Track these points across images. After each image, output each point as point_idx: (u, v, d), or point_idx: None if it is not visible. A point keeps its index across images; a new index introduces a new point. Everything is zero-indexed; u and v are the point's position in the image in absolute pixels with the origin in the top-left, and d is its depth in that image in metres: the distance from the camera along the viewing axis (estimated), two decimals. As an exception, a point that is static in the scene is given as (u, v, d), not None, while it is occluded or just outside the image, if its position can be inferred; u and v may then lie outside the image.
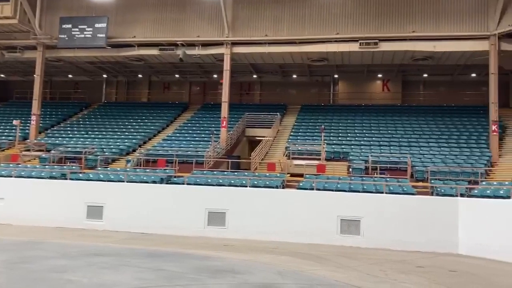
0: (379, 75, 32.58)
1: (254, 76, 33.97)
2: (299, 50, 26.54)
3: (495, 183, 18.90)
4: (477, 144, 25.09)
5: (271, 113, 29.50)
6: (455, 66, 29.38)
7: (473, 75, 30.95)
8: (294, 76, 33.72)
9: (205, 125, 30.03)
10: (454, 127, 27.52)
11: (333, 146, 25.18)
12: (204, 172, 21.63)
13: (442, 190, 18.41)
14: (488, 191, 17.20)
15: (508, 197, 15.86)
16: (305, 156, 23.35)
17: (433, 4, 25.08)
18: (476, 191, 17.77)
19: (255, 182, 19.50)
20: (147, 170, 22.11)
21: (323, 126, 23.48)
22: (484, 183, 19.39)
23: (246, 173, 21.65)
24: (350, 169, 22.16)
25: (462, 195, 17.32)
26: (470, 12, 24.69)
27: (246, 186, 18.97)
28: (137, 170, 22.19)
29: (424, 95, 32.46)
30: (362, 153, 23.85)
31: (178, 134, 28.91)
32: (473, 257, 15.13)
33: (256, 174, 21.55)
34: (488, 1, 24.48)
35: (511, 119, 27.56)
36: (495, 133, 24.08)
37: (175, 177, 20.98)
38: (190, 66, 32.06)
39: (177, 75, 35.35)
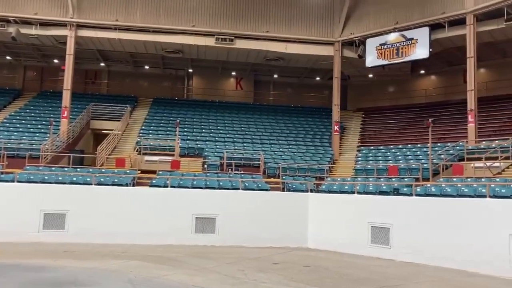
0: (233, 73, 32.76)
1: (102, 64, 31.27)
2: (153, 39, 25.08)
3: (338, 179, 20.20)
4: (321, 143, 26.76)
5: (120, 105, 27.38)
6: (302, 69, 31.01)
7: (317, 78, 33.09)
8: (147, 67, 31.97)
9: (43, 115, 26.53)
10: (301, 127, 28.98)
11: (187, 141, 24.36)
12: (40, 168, 18.89)
13: (293, 186, 18.99)
14: (334, 187, 18.24)
15: (353, 192, 16.96)
16: (158, 151, 22.07)
17: (286, 7, 25.99)
18: (323, 187, 18.71)
19: (102, 180, 17.65)
20: (-34, 165, 18.47)
21: (178, 120, 22.48)
22: (329, 179, 20.59)
23: (90, 170, 19.54)
24: (205, 166, 21.61)
25: (311, 191, 18.05)
26: (319, 18, 26.21)
27: (91, 184, 17.02)
28: (-48, 165, 18.39)
29: (273, 95, 33.64)
30: (217, 149, 23.52)
31: (8, 124, 24.96)
32: (321, 250, 15.75)
33: (103, 170, 19.61)
34: (333, 10, 26.28)
35: (349, 120, 30.10)
36: (336, 133, 26.00)
37: (2, 173, 17.86)
38: (26, 47, 28.01)
39: (8, 57, 30.62)
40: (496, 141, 19.94)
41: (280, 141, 26.34)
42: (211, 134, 26.21)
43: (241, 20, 25.55)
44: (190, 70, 32.27)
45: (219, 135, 26.27)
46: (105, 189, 16.67)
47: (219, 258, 13.27)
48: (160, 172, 19.57)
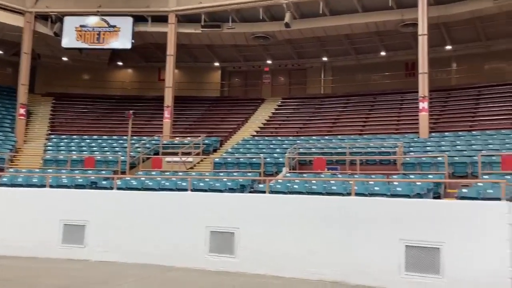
0: None
1: None
2: None
3: (24, 170, 17.30)
4: (1, 127, 22.67)
5: None
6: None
7: (0, 52, 28.07)
8: None
9: None
10: (-27, 106, 23.85)
11: None
12: None
13: (-38, 178, 15.08)
14: (20, 179, 15.39)
15: (44, 186, 14.60)
16: None
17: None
18: (5, 179, 15.56)
19: None
20: None
21: None
22: (11, 170, 17.40)
23: None
24: None
25: (-12, 185, 14.70)
26: (7, -21, 22.14)
27: None
28: None
29: None
30: None
31: None
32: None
33: None
34: (27, -25, 22.71)
35: (37, 104, 26.72)
36: (22, 117, 22.58)
37: None
38: None
39: None
40: (189, 138, 21.25)
41: None
42: None
43: None
44: None
45: None
46: None
47: None
48: None
